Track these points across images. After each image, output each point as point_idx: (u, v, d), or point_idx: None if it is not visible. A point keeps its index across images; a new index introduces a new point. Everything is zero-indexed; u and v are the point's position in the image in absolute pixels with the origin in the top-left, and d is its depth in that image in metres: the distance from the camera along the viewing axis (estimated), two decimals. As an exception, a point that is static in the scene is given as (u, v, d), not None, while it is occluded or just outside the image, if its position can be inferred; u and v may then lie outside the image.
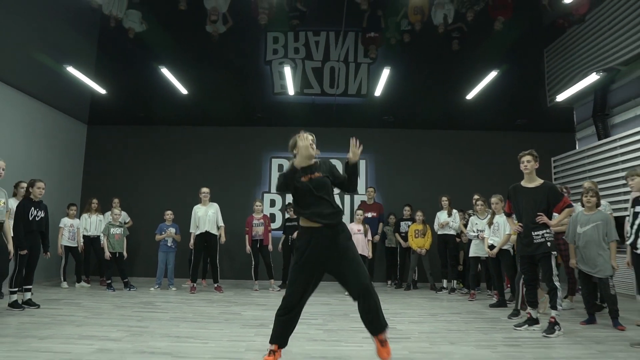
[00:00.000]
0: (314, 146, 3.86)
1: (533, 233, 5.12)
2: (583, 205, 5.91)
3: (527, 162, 5.29)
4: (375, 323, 3.68)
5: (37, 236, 6.51)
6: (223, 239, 8.74)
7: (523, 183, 5.37)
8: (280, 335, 3.78)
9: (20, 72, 8.33)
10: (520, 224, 5.30)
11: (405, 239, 9.44)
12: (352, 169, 3.84)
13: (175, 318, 5.80)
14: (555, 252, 5.14)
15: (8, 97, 8.40)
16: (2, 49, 7.47)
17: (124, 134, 11.17)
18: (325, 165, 3.94)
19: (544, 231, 5.10)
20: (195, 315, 6.03)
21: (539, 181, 5.28)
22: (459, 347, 4.49)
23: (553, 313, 5.05)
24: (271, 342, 3.78)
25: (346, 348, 4.45)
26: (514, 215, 5.51)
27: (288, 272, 9.35)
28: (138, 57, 9.34)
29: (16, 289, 6.24)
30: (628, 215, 5.33)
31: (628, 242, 4.60)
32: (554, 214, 5.34)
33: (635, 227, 4.47)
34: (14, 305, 6.13)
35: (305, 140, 3.79)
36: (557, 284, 5.07)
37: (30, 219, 6.35)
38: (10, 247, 5.34)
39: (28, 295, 6.36)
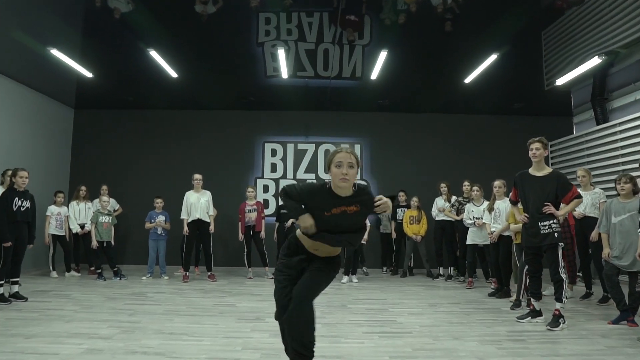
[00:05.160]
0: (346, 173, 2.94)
1: (540, 223, 4.95)
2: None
3: (537, 150, 5.06)
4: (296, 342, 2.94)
5: (23, 227, 6.24)
6: (212, 229, 8.51)
7: (531, 171, 5.15)
8: None
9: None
10: (525, 214, 5.13)
11: (401, 225, 9.30)
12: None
13: (168, 311, 5.62)
14: (562, 244, 4.99)
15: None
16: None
17: (113, 118, 10.81)
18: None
19: (551, 221, 4.92)
20: (188, 308, 5.85)
21: (547, 169, 5.09)
22: (463, 342, 4.35)
23: (558, 305, 4.91)
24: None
25: (346, 345, 4.27)
26: (519, 204, 5.35)
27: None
28: (125, 39, 8.96)
29: (2, 282, 6.00)
30: None
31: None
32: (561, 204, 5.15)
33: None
34: (0, 298, 5.90)
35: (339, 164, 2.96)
36: (563, 275, 4.93)
37: (15, 209, 6.08)
38: None
39: (15, 288, 6.14)
